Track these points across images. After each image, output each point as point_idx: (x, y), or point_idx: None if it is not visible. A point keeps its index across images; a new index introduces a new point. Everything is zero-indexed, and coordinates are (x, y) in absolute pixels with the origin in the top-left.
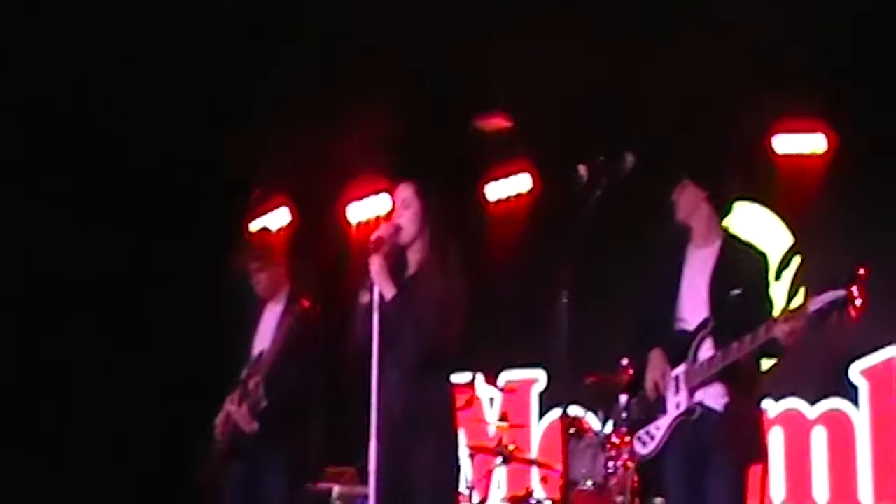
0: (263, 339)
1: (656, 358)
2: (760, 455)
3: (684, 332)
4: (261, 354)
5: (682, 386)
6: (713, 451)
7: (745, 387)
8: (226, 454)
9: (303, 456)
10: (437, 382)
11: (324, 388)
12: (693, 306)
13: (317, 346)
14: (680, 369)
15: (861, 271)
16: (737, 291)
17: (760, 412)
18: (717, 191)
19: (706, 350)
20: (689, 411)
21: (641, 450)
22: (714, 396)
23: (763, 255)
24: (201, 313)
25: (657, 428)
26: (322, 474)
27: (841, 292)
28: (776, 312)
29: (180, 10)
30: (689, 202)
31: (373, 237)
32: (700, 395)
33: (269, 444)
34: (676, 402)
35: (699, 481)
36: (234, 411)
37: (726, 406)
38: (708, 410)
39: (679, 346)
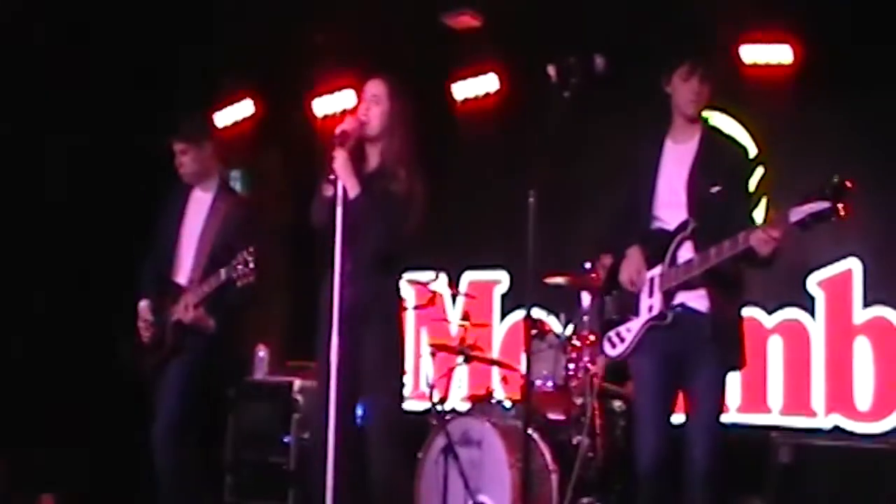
0: (192, 229)
1: (633, 255)
2: (741, 363)
3: (664, 231)
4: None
5: (657, 288)
6: (695, 354)
7: (727, 291)
8: (168, 353)
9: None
10: (388, 277)
11: (287, 282)
12: (671, 205)
13: (257, 236)
14: (656, 271)
15: (848, 184)
16: (716, 189)
17: (742, 318)
18: (712, 84)
19: (685, 252)
20: (661, 316)
21: (610, 351)
22: (697, 298)
23: (743, 148)
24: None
25: (628, 330)
26: (285, 369)
27: (825, 204)
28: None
29: None
30: (706, 95)
31: (338, 130)
32: (682, 297)
33: (214, 342)
34: (649, 305)
35: (674, 385)
36: (190, 316)
37: (709, 308)
38: (691, 312)
39: (658, 247)
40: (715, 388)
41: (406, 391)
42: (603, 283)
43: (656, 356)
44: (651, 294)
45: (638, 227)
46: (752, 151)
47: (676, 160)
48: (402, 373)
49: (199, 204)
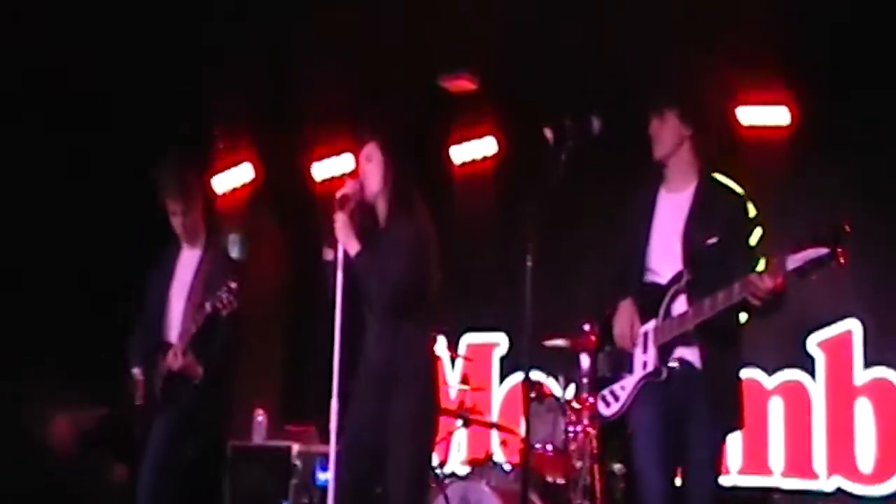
0: (181, 288)
1: (626, 308)
2: (739, 423)
3: (657, 285)
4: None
5: (651, 343)
6: (692, 412)
7: (722, 348)
8: (158, 408)
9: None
10: (416, 336)
11: (286, 345)
12: (665, 256)
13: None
14: (650, 325)
15: (846, 228)
16: (713, 240)
17: (739, 378)
18: (701, 128)
19: (679, 306)
20: (656, 372)
21: (605, 411)
22: (694, 353)
23: (741, 198)
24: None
25: (622, 388)
26: (283, 433)
27: (823, 250)
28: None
29: None
30: (670, 137)
31: (337, 195)
32: (680, 352)
33: (200, 392)
34: (644, 361)
35: (674, 441)
36: (179, 362)
37: (702, 366)
38: (688, 368)
39: (651, 300)
40: (712, 449)
41: (433, 457)
42: (596, 338)
43: (654, 413)
44: (645, 349)
45: (632, 279)
46: (750, 213)
47: (671, 210)
48: (432, 438)
49: (188, 263)
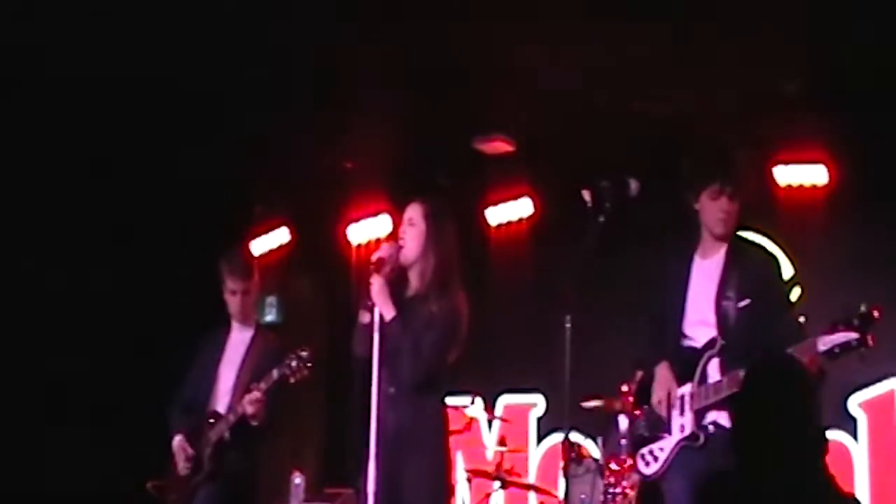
0: (231, 364)
1: (663, 373)
2: None
3: (692, 349)
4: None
5: (688, 408)
6: None
7: None
8: (205, 478)
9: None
10: (431, 404)
11: (323, 408)
12: (699, 323)
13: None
14: (686, 389)
15: (875, 314)
16: (745, 303)
17: None
18: (745, 201)
19: (714, 370)
20: (693, 436)
21: (644, 469)
22: (727, 418)
23: (773, 257)
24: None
25: (661, 449)
26: (321, 495)
27: (853, 335)
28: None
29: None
30: (734, 217)
31: (374, 257)
32: (714, 416)
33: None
34: (681, 425)
35: None
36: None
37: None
38: (724, 431)
39: (687, 363)
40: None
41: None
42: (633, 399)
43: (691, 478)
44: (682, 413)
45: (668, 343)
46: (788, 273)
47: (704, 276)
48: (447, 498)
49: (239, 341)
